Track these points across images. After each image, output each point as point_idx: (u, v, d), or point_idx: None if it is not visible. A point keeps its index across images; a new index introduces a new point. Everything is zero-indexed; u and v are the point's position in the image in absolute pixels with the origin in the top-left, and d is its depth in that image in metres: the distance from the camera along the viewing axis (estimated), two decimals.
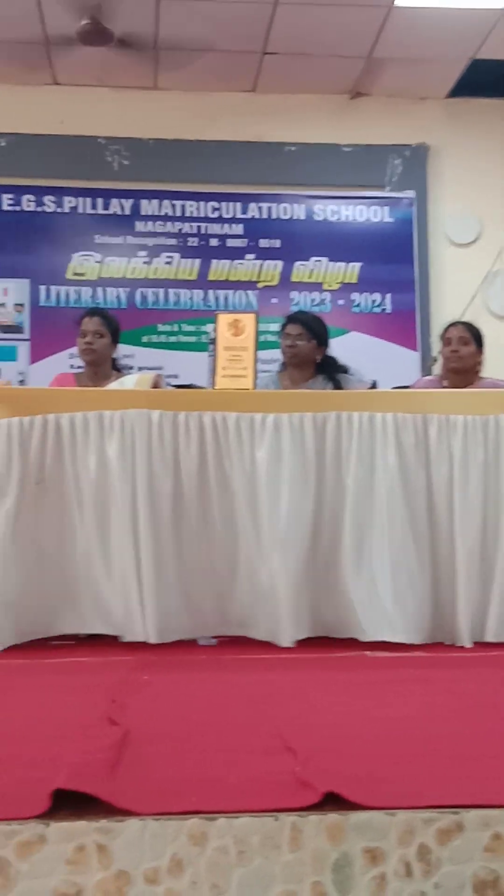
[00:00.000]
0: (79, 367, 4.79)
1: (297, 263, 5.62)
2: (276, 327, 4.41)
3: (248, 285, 5.58)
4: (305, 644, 3.05)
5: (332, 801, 1.32)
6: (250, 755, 1.54)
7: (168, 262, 5.55)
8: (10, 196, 5.48)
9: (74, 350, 5.19)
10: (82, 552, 3.03)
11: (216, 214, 5.58)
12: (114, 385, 3.92)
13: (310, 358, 3.98)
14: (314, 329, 4.01)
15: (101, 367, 4.01)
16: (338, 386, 3.91)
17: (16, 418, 3.13)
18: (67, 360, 5.33)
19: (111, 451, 3.06)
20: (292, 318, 4.09)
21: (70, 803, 1.29)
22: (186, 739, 1.66)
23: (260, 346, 3.31)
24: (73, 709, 1.94)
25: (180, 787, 1.34)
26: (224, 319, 3.41)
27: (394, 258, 5.64)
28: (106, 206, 5.54)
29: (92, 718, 1.79)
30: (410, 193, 5.73)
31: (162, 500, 2.99)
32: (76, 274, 5.51)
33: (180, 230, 5.56)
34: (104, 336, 4.00)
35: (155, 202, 5.55)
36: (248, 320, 3.41)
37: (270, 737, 1.66)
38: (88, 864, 1.22)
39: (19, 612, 2.99)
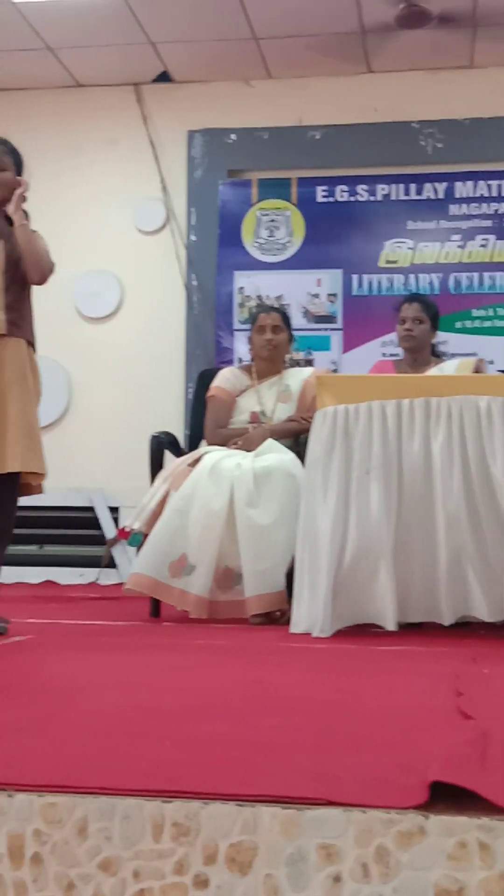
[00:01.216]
0: (392, 355, 4.76)
1: None
2: None
3: None
4: None
5: None
6: None
7: (483, 245, 5.38)
8: (325, 188, 5.53)
9: (386, 338, 5.19)
10: (409, 537, 3.01)
11: None
12: (433, 371, 3.85)
13: None
14: None
15: (421, 354, 3.95)
16: None
17: (341, 406, 3.16)
18: (379, 349, 5.33)
19: (438, 438, 3.01)
20: None
21: (441, 795, 1.24)
22: None
23: None
24: (421, 697, 1.91)
25: None
26: None
27: None
28: (419, 192, 5.45)
29: (443, 709, 1.74)
30: None
31: (496, 487, 2.89)
32: (388, 262, 5.47)
33: (496, 211, 5.37)
34: (423, 322, 3.93)
35: (469, 184, 5.39)
36: None
37: None
38: (471, 862, 1.17)
39: (347, 597, 3.02)
